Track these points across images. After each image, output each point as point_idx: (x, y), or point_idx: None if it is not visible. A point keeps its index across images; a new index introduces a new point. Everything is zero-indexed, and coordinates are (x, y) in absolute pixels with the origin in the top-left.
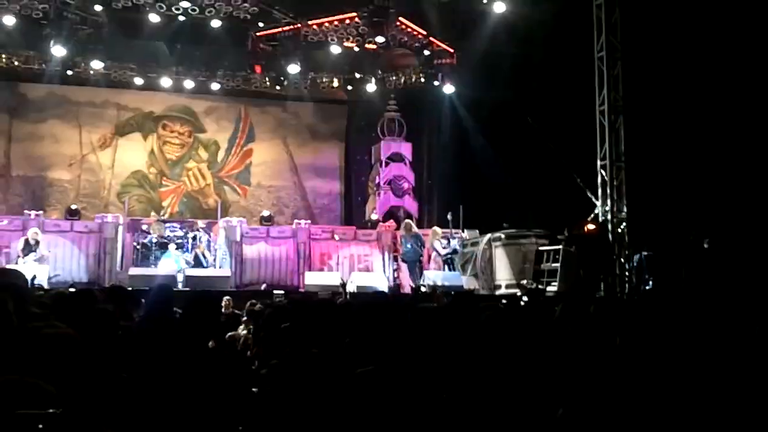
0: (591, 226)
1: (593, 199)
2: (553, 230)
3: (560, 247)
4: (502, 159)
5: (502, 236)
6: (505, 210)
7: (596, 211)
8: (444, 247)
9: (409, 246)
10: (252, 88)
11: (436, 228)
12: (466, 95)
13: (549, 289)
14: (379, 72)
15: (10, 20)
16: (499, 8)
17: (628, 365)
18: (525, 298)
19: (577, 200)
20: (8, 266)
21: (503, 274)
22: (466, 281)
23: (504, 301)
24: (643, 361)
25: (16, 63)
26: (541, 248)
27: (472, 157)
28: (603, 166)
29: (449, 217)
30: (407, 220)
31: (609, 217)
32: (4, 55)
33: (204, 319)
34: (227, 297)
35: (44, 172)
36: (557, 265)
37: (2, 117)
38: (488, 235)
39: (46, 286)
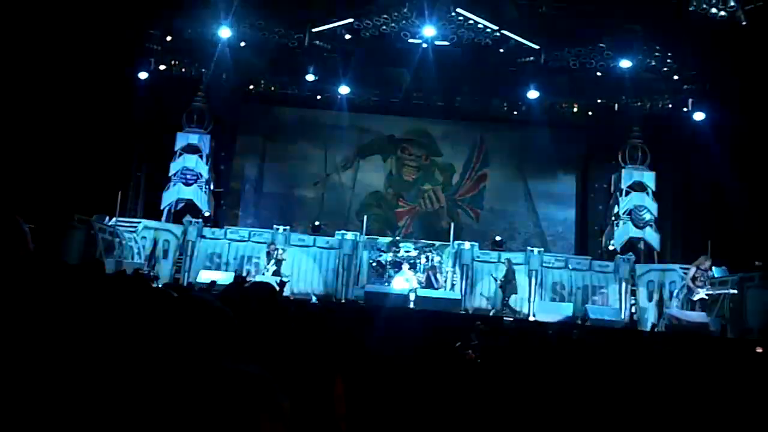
0: None
1: None
2: None
3: None
4: (757, 193)
5: (757, 277)
6: (757, 248)
7: None
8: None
9: None
10: (489, 113)
11: (704, 258)
12: (719, 123)
13: None
14: (623, 97)
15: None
16: None
17: None
18: None
19: None
20: (256, 278)
21: (756, 318)
22: (712, 322)
23: (759, 349)
24: None
25: (272, 88)
26: None
27: (722, 189)
28: None
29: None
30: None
31: None
32: (262, 81)
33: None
34: None
35: (292, 189)
36: None
37: (258, 139)
38: (739, 275)
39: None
